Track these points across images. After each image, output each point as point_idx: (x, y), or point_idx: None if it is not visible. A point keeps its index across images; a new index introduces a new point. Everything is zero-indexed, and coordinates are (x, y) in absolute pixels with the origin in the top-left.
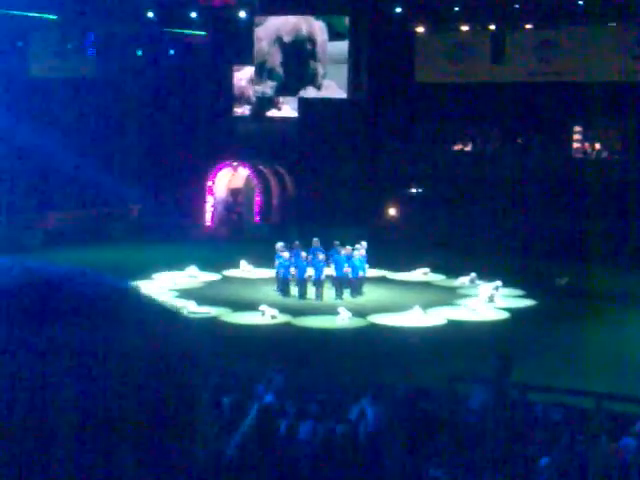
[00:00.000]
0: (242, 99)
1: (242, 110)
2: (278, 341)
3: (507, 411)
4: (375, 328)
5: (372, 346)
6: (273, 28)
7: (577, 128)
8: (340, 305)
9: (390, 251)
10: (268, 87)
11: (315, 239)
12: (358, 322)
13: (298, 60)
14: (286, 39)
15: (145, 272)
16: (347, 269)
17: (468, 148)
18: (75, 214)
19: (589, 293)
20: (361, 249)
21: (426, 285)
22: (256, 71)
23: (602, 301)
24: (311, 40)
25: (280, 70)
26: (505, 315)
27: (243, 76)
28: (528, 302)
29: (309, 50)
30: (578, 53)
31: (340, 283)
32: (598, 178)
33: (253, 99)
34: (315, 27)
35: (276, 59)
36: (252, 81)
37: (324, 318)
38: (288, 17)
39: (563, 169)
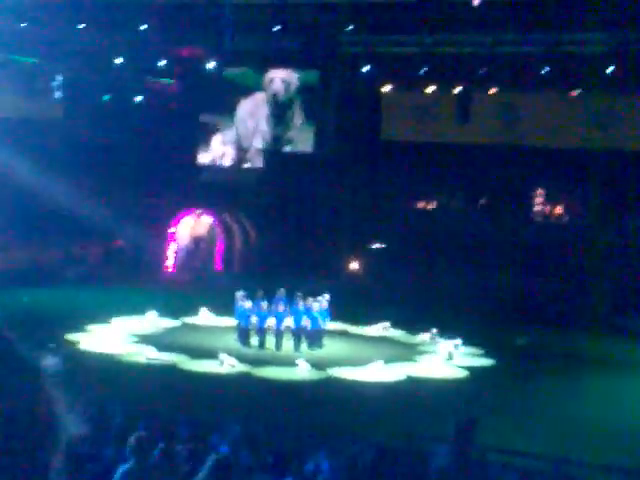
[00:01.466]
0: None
1: (208, 159)
2: (236, 391)
3: (467, 472)
4: (334, 381)
5: (330, 399)
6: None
7: (539, 191)
8: (299, 357)
9: (352, 305)
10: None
11: (281, 289)
12: (317, 374)
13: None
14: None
15: (102, 316)
16: (306, 321)
17: (432, 206)
18: (32, 253)
19: (548, 353)
20: (323, 301)
21: (386, 340)
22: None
23: (561, 361)
24: (286, 92)
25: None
26: (464, 373)
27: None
28: (487, 361)
29: (283, 103)
30: (541, 118)
31: (299, 335)
32: (559, 241)
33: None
34: (287, 80)
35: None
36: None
37: (283, 369)
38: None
39: (524, 231)
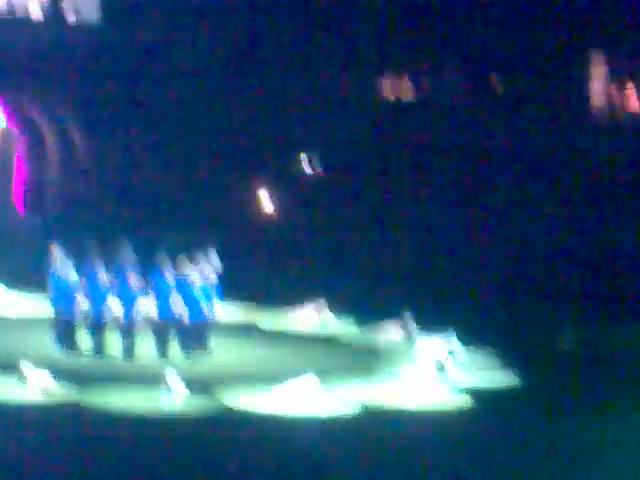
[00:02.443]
0: None
1: None
2: (53, 435)
3: None
4: (228, 415)
5: (220, 449)
6: None
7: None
8: (167, 370)
9: (261, 273)
10: None
11: (127, 247)
12: (199, 402)
13: None
14: None
15: None
16: (179, 305)
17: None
18: None
19: (615, 362)
20: (207, 268)
21: (323, 338)
22: None
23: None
24: None
25: None
26: (463, 400)
27: None
28: (506, 377)
29: None
30: None
31: (166, 331)
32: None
33: None
34: None
35: None
36: None
37: (138, 393)
38: None
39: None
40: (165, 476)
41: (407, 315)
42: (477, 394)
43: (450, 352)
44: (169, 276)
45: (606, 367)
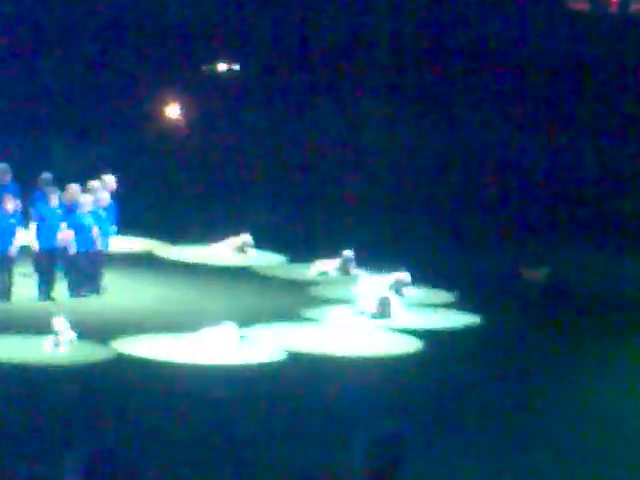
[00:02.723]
0: None
1: None
2: None
3: None
4: (128, 364)
5: (117, 405)
6: None
7: None
8: (53, 312)
9: (170, 195)
10: None
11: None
12: (92, 351)
13: None
14: None
15: None
16: (66, 232)
17: None
18: None
19: (585, 297)
20: (99, 188)
21: (246, 275)
22: None
23: (608, 311)
24: None
25: None
26: (412, 344)
27: None
28: (466, 317)
29: None
30: None
31: (49, 263)
32: None
33: None
34: None
35: None
36: None
37: (16, 340)
38: None
39: None
40: (56, 431)
41: (346, 247)
42: (424, 336)
43: (397, 290)
44: (54, 200)
45: (569, 301)
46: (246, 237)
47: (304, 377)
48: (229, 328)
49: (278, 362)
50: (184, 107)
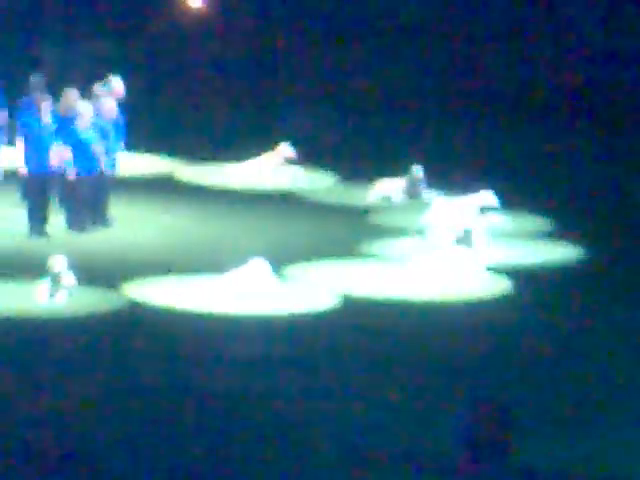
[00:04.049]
0: None
1: None
2: None
3: None
4: (143, 315)
5: (130, 361)
6: None
7: None
8: (47, 252)
9: (191, 102)
10: None
11: None
12: (98, 299)
13: None
14: None
15: None
16: (61, 151)
17: None
18: None
19: None
20: (102, 94)
21: (288, 201)
22: None
23: None
24: None
25: None
26: (500, 285)
27: None
28: (566, 250)
29: None
30: None
31: (41, 191)
32: None
33: None
34: None
35: None
36: None
37: (1, 289)
38: None
39: None
40: (57, 388)
41: (415, 167)
42: (518, 275)
43: (480, 212)
44: (46, 110)
45: None
46: (287, 150)
47: (363, 328)
48: (260, 265)
49: (330, 309)
50: None
